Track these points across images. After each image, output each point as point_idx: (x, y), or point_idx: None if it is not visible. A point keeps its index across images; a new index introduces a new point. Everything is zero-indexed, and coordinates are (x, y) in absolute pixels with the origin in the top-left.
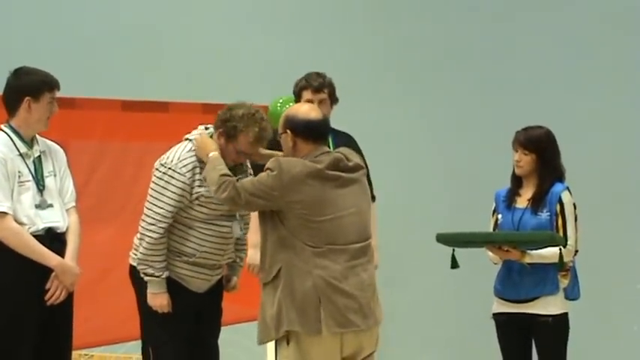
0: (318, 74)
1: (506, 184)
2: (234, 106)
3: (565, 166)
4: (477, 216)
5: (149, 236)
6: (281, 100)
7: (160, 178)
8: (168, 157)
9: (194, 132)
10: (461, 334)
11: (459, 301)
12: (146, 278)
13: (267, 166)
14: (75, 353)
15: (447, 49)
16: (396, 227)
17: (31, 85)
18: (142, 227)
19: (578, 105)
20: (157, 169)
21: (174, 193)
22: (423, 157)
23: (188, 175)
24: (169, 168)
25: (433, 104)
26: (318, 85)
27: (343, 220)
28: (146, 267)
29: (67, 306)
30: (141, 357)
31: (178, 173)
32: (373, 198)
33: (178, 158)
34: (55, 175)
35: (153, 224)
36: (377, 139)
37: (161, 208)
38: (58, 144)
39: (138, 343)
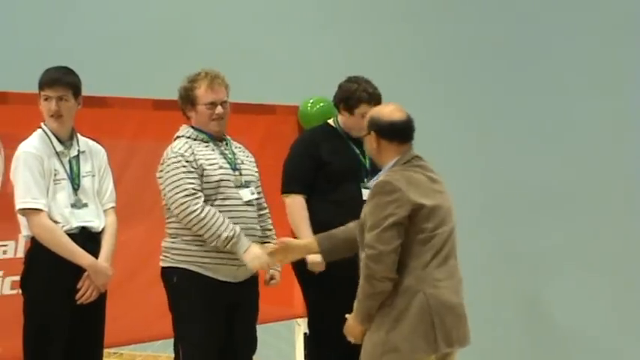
0: (371, 84)
1: (541, 184)
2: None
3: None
4: (509, 217)
5: (193, 215)
6: (312, 101)
7: (161, 171)
8: (162, 158)
9: (181, 130)
10: (492, 335)
11: (489, 300)
12: (227, 246)
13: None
14: (104, 351)
15: (483, 49)
16: None
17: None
18: (178, 216)
19: (617, 105)
20: (158, 172)
21: (185, 172)
22: (459, 157)
23: (187, 153)
24: (170, 157)
25: (468, 104)
26: (378, 99)
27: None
28: (218, 237)
29: (99, 305)
30: (169, 356)
31: (179, 154)
32: None
33: (177, 147)
34: (93, 176)
35: (187, 206)
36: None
37: (178, 187)
38: (100, 144)
39: (166, 343)
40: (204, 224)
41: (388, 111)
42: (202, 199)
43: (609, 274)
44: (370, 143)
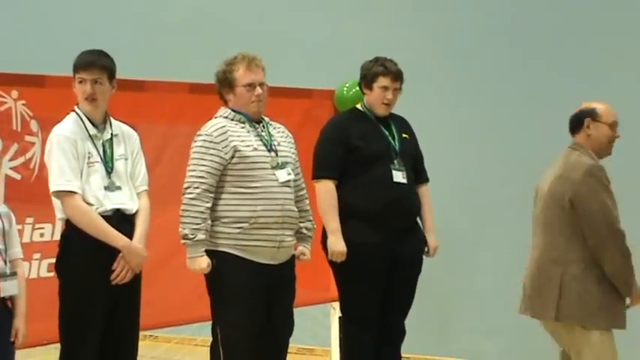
0: (391, 61)
1: None
2: None
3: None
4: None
5: (185, 197)
6: (347, 85)
7: (193, 147)
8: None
9: (220, 112)
10: (528, 322)
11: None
12: (182, 241)
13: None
14: (140, 334)
15: (513, 38)
16: (461, 211)
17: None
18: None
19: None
20: (193, 142)
21: (204, 154)
22: (486, 144)
23: (216, 134)
24: (199, 134)
25: (496, 92)
26: (397, 73)
27: None
28: (181, 229)
29: (134, 288)
30: (205, 339)
31: (206, 134)
32: (427, 180)
33: (209, 125)
34: (126, 159)
35: (187, 187)
36: (441, 127)
37: (193, 171)
38: (133, 128)
39: (201, 326)
40: (184, 211)
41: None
42: (205, 187)
43: None
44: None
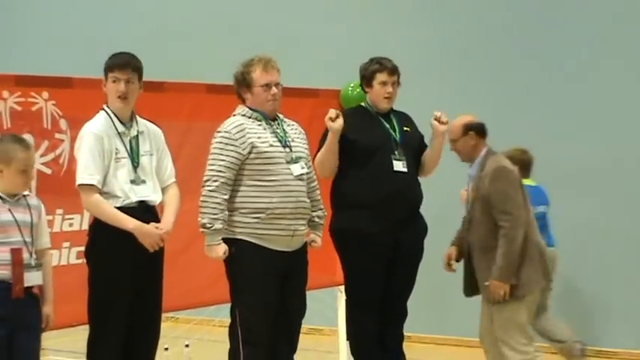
0: (385, 58)
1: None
2: None
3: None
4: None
5: (204, 189)
6: (352, 85)
7: (212, 143)
8: (220, 126)
9: (237, 109)
10: None
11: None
12: (200, 230)
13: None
14: (162, 316)
15: (512, 40)
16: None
17: (104, 69)
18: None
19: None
20: (212, 138)
21: (222, 149)
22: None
23: (234, 131)
24: (218, 131)
25: (490, 92)
26: (392, 68)
27: None
28: (200, 218)
29: (157, 272)
30: (221, 320)
31: (224, 131)
32: None
33: (227, 123)
34: (151, 155)
35: (207, 180)
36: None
37: (212, 165)
38: (157, 126)
39: (218, 308)
40: (203, 202)
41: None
42: (223, 181)
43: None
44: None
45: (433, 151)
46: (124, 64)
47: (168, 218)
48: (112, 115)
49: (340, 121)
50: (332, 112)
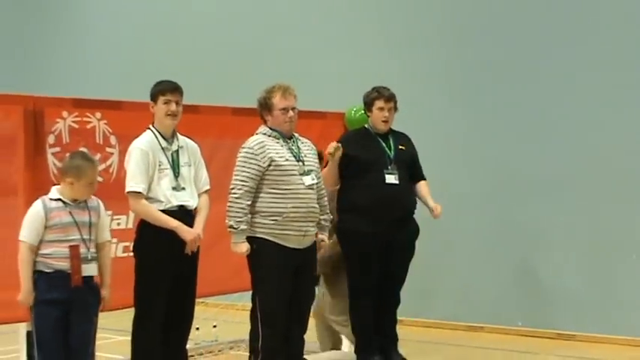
0: (384, 87)
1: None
2: None
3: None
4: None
5: (230, 196)
6: (355, 108)
7: (238, 157)
8: (245, 143)
9: (259, 129)
10: (492, 292)
11: (489, 265)
12: (228, 230)
13: None
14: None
15: (507, 70)
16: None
17: (151, 94)
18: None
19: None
20: (238, 153)
21: (246, 162)
22: (469, 150)
23: (256, 147)
24: (243, 147)
25: (484, 104)
26: (389, 95)
27: None
28: (227, 220)
29: (193, 262)
30: (244, 304)
31: (248, 147)
32: (424, 178)
33: (251, 140)
34: (189, 166)
35: (233, 188)
36: (443, 145)
37: (237, 176)
38: (194, 141)
39: (242, 294)
40: (230, 207)
41: None
42: (246, 189)
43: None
44: None
45: (421, 199)
46: (175, 88)
47: (199, 224)
48: (157, 133)
49: (338, 154)
50: (331, 148)
